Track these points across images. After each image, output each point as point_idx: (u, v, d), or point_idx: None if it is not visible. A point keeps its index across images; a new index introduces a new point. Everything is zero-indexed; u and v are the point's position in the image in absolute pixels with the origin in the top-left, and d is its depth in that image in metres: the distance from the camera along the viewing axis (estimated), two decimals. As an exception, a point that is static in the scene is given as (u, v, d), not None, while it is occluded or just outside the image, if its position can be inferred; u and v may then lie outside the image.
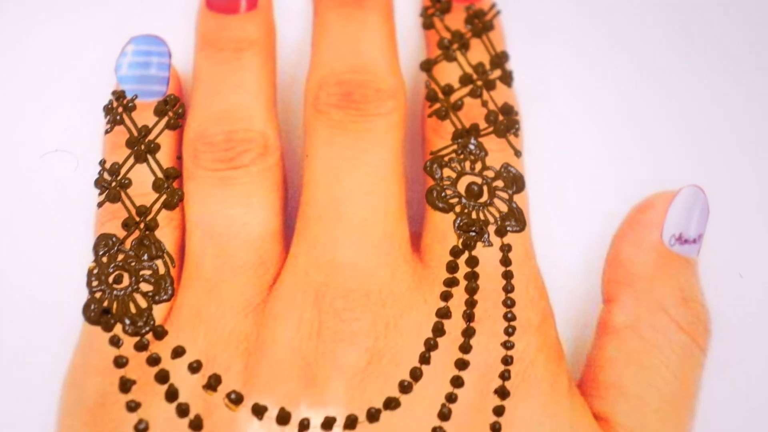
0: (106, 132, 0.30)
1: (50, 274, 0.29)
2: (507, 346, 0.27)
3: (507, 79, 0.31)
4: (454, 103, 0.30)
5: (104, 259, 0.28)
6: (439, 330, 0.27)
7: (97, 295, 0.27)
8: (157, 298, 0.28)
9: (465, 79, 0.30)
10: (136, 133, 0.29)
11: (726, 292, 0.29)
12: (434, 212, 0.29)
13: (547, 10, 0.32)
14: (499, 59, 0.31)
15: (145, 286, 0.28)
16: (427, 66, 0.31)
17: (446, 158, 0.29)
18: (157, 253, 0.28)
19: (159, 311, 0.28)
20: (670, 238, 0.29)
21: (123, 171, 0.29)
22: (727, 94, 0.31)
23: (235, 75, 0.30)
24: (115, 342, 0.27)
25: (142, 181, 0.29)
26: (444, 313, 0.27)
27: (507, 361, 0.27)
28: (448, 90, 0.30)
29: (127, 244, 0.28)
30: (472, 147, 0.29)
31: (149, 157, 0.29)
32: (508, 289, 0.28)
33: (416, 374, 0.27)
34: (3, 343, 0.29)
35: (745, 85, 0.31)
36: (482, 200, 0.29)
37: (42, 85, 0.30)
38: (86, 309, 0.27)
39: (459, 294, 0.28)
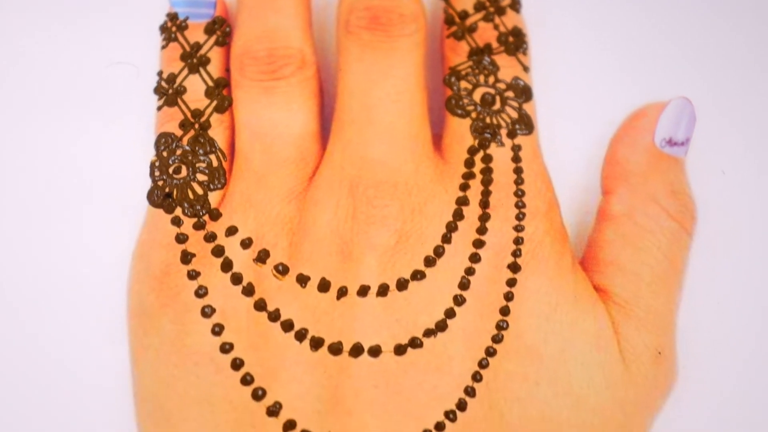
0: (163, 48, 0.33)
1: (116, 167, 0.33)
2: (518, 229, 0.31)
3: (516, 5, 0.34)
4: (469, 26, 0.34)
5: (164, 154, 0.32)
6: (458, 215, 0.31)
7: (160, 183, 0.31)
8: (211, 186, 0.31)
9: (479, 6, 0.34)
10: (188, 49, 0.33)
11: (710, 186, 0.33)
12: (453, 118, 0.33)
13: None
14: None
15: (201, 177, 0.31)
16: (446, -7, 0.34)
17: (463, 72, 0.33)
18: (210, 149, 0.32)
19: (213, 198, 0.31)
20: (661, 141, 0.33)
21: (178, 80, 0.33)
22: (716, 18, 0.34)
23: (275, 0, 0.34)
24: (177, 222, 0.31)
25: (195, 89, 0.33)
26: (463, 201, 0.31)
27: (518, 241, 0.31)
28: (464, 15, 0.34)
29: (184, 142, 0.32)
30: (485, 63, 0.33)
31: (201, 69, 0.33)
32: (519, 181, 0.32)
33: (439, 251, 0.30)
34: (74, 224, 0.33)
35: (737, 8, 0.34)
36: (495, 108, 0.33)
37: (107, 5, 0.34)
38: (150, 194, 0.31)
39: (475, 186, 0.31)
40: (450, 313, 0.30)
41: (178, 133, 0.32)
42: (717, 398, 0.31)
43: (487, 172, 0.32)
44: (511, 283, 0.30)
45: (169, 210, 0.31)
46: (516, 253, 0.30)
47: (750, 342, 0.32)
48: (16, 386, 0.31)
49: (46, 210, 0.33)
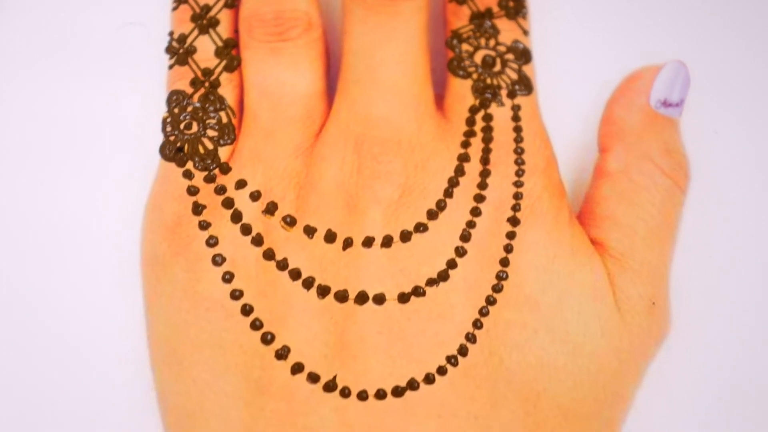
0: (173, 9, 0.34)
1: (129, 123, 0.34)
2: (517, 185, 0.32)
3: (515, -29, 0.35)
4: (471, -9, 0.35)
5: (176, 110, 0.33)
6: (460, 171, 0.32)
7: (171, 138, 0.32)
8: (221, 141, 0.32)
9: (480, -28, 0.35)
10: (198, 10, 0.34)
11: (703, 145, 0.34)
12: (455, 78, 0.34)
13: None
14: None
15: (211, 132, 0.32)
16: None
17: (464, 35, 0.34)
18: (220, 106, 0.33)
19: (223, 153, 0.32)
20: (656, 102, 0.34)
21: (189, 40, 0.34)
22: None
23: None
24: (188, 175, 0.32)
25: (205, 49, 0.34)
26: (464, 158, 0.32)
27: (517, 196, 0.32)
28: (466, -20, 0.35)
29: (195, 99, 0.33)
30: (486, 26, 0.34)
31: (211, 30, 0.34)
32: (518, 140, 0.33)
33: (441, 205, 0.31)
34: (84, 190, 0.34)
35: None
36: (495, 69, 0.34)
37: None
38: (162, 149, 0.32)
39: (476, 144, 0.33)
40: (452, 264, 0.31)
41: (189, 90, 0.33)
42: (708, 346, 0.32)
43: (487, 130, 0.33)
44: (511, 235, 0.31)
45: (180, 164, 0.32)
46: (515, 208, 0.32)
47: (740, 292, 0.33)
48: (33, 334, 0.32)
49: (63, 163, 0.34)
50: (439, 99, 0.34)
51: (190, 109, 0.33)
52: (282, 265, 0.31)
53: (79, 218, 0.33)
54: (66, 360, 0.32)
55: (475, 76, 0.33)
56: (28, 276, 0.33)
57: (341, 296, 0.30)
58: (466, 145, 0.32)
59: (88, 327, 0.32)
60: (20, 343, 0.32)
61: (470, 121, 0.33)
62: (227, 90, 0.33)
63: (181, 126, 0.32)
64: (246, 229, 0.31)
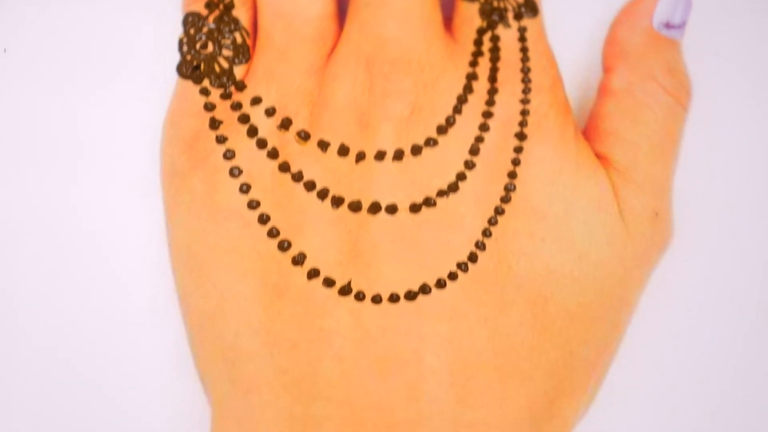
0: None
1: (146, 44, 0.35)
2: (524, 102, 0.33)
3: None
4: None
5: (191, 31, 0.34)
6: (468, 89, 0.33)
7: (188, 57, 0.33)
8: (236, 60, 0.33)
9: None
10: (211, -64, 0.35)
11: (705, 65, 0.35)
12: (462, 1, 0.34)
13: None
14: None
15: (226, 52, 0.33)
16: None
17: (472, -40, 0.35)
18: (234, 27, 0.34)
19: (238, 72, 0.33)
20: (659, 24, 0.35)
21: (203, -35, 0.35)
22: None
23: None
24: (205, 92, 0.33)
25: (218, -27, 0.35)
26: (472, 76, 0.33)
27: (524, 113, 0.33)
28: None
29: (210, 21, 0.34)
30: (493, -49, 0.35)
31: None
32: (525, 59, 0.34)
33: (450, 121, 0.32)
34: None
35: None
36: None
37: None
38: (179, 67, 0.33)
39: (484, 64, 0.33)
40: (461, 176, 0.32)
41: (204, 12, 0.34)
42: (709, 254, 0.33)
43: (495, 50, 0.34)
44: (518, 150, 0.32)
45: (197, 81, 0.33)
46: (522, 124, 0.33)
47: (739, 204, 0.34)
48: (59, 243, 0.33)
49: (81, 86, 0.35)
50: (447, 21, 0.35)
51: (205, 30, 0.33)
52: (297, 177, 0.32)
53: (97, 140, 0.34)
54: (91, 267, 0.33)
55: None
56: (52, 188, 0.34)
57: (355, 206, 0.31)
58: (474, 64, 0.33)
59: (115, 235, 0.33)
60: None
61: (478, 42, 0.34)
62: (241, 12, 0.34)
63: (197, 46, 0.33)
64: (262, 143, 0.32)
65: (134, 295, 0.32)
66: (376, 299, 0.30)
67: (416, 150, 0.32)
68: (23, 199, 0.33)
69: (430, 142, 0.32)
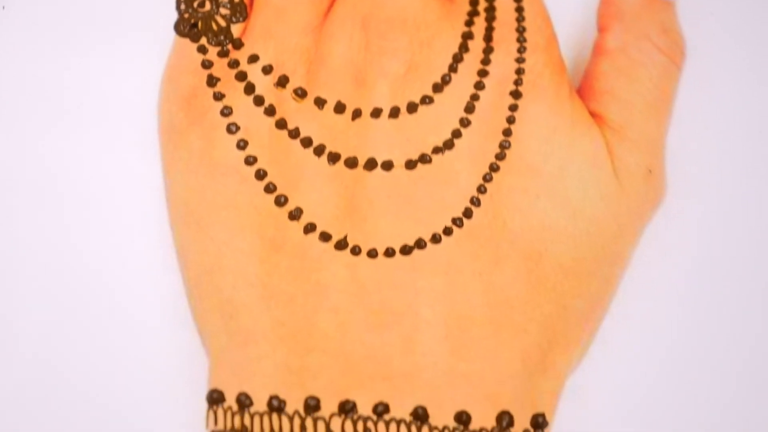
0: None
1: (144, 2, 0.35)
2: (519, 61, 0.33)
3: None
4: None
5: (189, -10, 0.34)
6: (464, 48, 0.33)
7: (186, 15, 0.33)
8: (233, 19, 0.34)
9: None
10: None
11: (699, 26, 0.35)
12: (458, -38, 0.35)
13: None
14: None
15: (223, 11, 0.34)
16: None
17: None
18: (232, -14, 0.34)
19: (235, 30, 0.33)
20: (654, -15, 0.35)
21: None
22: None
23: None
24: (202, 50, 0.33)
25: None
26: (468, 36, 0.33)
27: (519, 72, 0.33)
28: None
29: (207, -21, 0.34)
30: None
31: None
32: (520, 19, 0.34)
33: (446, 79, 0.33)
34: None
35: None
36: None
37: None
38: (177, 25, 0.33)
39: (479, 23, 0.34)
40: (456, 134, 0.32)
41: (202, -29, 0.34)
42: (702, 209, 0.34)
43: (490, 10, 0.34)
44: (513, 108, 0.33)
45: (195, 39, 0.33)
46: (517, 83, 0.33)
47: (732, 161, 0.34)
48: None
49: (78, 43, 0.35)
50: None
51: None
52: (294, 133, 0.32)
53: (100, 95, 0.34)
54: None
55: None
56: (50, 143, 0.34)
57: (351, 162, 0.32)
58: (469, 24, 0.33)
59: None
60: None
61: (473, 2, 0.34)
62: None
63: (195, 4, 0.34)
64: (259, 100, 0.32)
65: (133, 249, 0.32)
66: (372, 253, 0.31)
67: (412, 107, 0.32)
68: (21, 155, 0.33)
69: (426, 100, 0.32)
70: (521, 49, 0.33)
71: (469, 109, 0.32)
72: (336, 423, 0.29)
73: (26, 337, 0.31)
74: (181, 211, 0.32)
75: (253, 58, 0.33)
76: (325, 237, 0.31)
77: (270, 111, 0.32)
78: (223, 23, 0.33)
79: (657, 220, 0.33)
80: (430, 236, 0.31)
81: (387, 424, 0.29)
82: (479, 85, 0.33)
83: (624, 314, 0.32)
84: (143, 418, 0.30)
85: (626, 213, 0.32)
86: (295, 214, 0.31)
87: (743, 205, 0.34)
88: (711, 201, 0.34)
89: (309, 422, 0.29)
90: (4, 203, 0.33)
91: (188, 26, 0.33)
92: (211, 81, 0.32)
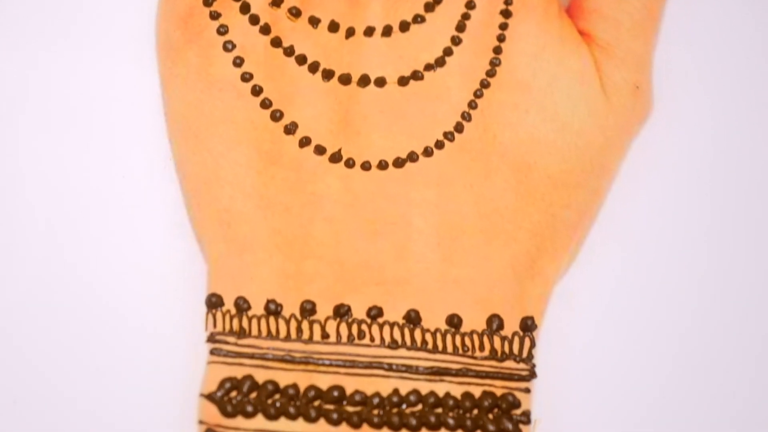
0: None
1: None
2: (509, -18, 0.34)
3: None
4: None
5: None
6: None
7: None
8: (229, -60, 0.34)
9: None
10: None
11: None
12: None
13: None
14: None
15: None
16: None
17: None
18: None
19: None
20: None
21: None
22: None
23: None
24: (198, -29, 0.34)
25: None
26: None
27: None
28: None
29: None
30: None
31: None
32: (510, -54, 0.35)
33: None
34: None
35: None
36: None
37: None
38: (173, -53, 0.34)
39: None
40: (448, 51, 0.33)
41: None
42: (688, 125, 0.34)
43: None
44: (503, 26, 0.33)
45: (191, -41, 0.34)
46: (507, 2, 0.33)
47: (718, 77, 0.35)
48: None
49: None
50: None
51: None
52: (289, 51, 0.33)
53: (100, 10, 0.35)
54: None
55: None
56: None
57: (345, 79, 0.32)
58: None
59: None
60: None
61: None
62: None
63: None
64: (254, 19, 0.33)
65: (133, 160, 0.33)
66: (366, 166, 0.32)
67: (404, 26, 0.33)
68: (23, 68, 0.34)
69: (418, 19, 0.33)
70: None
71: (460, 27, 0.33)
72: (331, 326, 0.30)
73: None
74: (180, 125, 0.32)
75: None
76: (320, 150, 0.32)
77: (265, 29, 0.33)
78: (218, -56, 0.34)
79: (644, 134, 0.33)
80: (422, 150, 0.32)
81: (381, 326, 0.30)
82: (470, 5, 0.33)
83: (611, 223, 0.33)
84: (145, 322, 0.31)
85: (613, 127, 0.33)
86: (290, 129, 0.32)
87: (730, 120, 0.34)
88: (697, 116, 0.34)
89: (305, 325, 0.30)
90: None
91: (184, -53, 0.34)
92: (207, 0, 0.33)
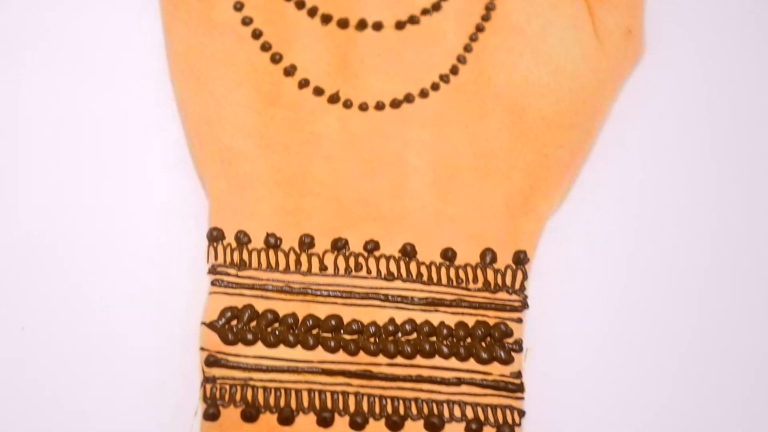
0: None
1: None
2: None
3: None
4: None
5: None
6: None
7: None
8: None
9: None
10: None
11: None
12: None
13: None
14: None
15: None
16: None
17: None
18: None
19: None
20: None
21: None
22: None
23: None
24: None
25: None
26: None
27: None
28: None
29: None
30: None
31: None
32: None
33: None
34: None
35: None
36: None
37: None
38: None
39: None
40: (444, -4, 0.34)
41: None
42: (679, 66, 0.35)
43: None
44: None
45: None
46: None
47: (709, 21, 0.36)
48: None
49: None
50: None
51: None
52: (287, -4, 0.34)
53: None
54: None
55: None
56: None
57: (343, 23, 0.33)
58: None
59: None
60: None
61: None
62: None
63: None
64: None
65: (137, 100, 0.34)
66: (363, 107, 0.33)
67: None
68: (27, 11, 0.35)
69: None
70: None
71: None
72: (329, 258, 0.31)
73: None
74: (182, 66, 0.33)
75: None
76: (318, 91, 0.33)
77: None
78: None
79: (636, 76, 0.34)
80: (418, 91, 0.33)
81: (377, 259, 0.31)
82: None
83: (603, 162, 0.33)
84: (148, 254, 0.32)
85: (606, 70, 0.34)
86: (289, 71, 0.33)
87: (720, 62, 0.35)
88: (688, 58, 0.35)
89: (303, 258, 0.31)
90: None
91: None
92: None
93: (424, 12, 0.33)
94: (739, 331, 0.32)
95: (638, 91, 0.34)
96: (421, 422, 0.29)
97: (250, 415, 0.29)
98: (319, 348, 0.30)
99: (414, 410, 0.30)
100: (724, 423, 0.31)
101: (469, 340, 0.30)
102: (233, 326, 0.30)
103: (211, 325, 0.30)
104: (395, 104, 0.33)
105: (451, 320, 0.31)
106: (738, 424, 0.32)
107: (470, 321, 0.31)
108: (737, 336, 0.32)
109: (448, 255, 0.31)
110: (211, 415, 0.29)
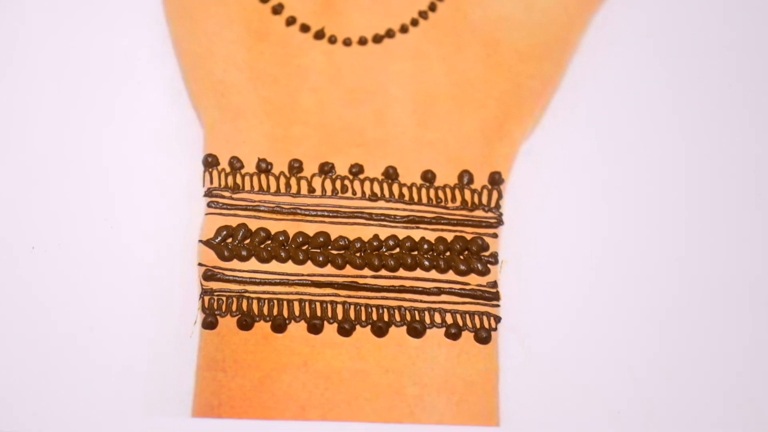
0: None
1: None
2: None
3: None
4: None
5: None
6: None
7: None
8: None
9: None
10: None
11: None
12: None
13: None
14: None
15: None
16: None
17: None
18: None
19: None
20: None
21: None
22: None
23: None
24: None
25: None
26: None
27: None
28: None
29: None
30: None
31: None
32: None
33: None
34: None
35: None
36: None
37: None
38: None
39: None
40: (421, -59, 0.36)
41: None
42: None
43: None
44: None
45: None
46: None
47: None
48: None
49: None
50: None
51: None
52: (275, -61, 0.36)
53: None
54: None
55: None
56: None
57: (327, -32, 0.35)
58: None
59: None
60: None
61: None
62: None
63: None
64: None
65: (133, 39, 0.36)
66: (347, 42, 0.35)
67: None
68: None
69: None
70: None
71: None
72: (317, 181, 0.33)
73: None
74: (175, 6, 0.35)
75: None
76: (305, 28, 0.35)
77: None
78: None
79: (604, 10, 0.36)
80: (398, 27, 0.35)
81: (362, 181, 0.33)
82: None
83: (573, 90, 0.36)
84: (147, 178, 0.34)
85: (575, 5, 0.36)
86: (277, 9, 0.35)
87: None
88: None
89: (293, 181, 0.33)
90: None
91: None
92: None
93: None
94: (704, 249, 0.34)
95: (605, 23, 0.36)
96: (404, 328, 0.32)
97: (246, 323, 0.31)
98: (309, 262, 0.32)
99: (397, 317, 0.32)
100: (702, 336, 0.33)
101: (448, 253, 0.33)
102: (228, 243, 0.32)
103: (207, 243, 0.32)
104: (377, 39, 0.35)
105: (431, 236, 0.33)
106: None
107: (449, 236, 0.33)
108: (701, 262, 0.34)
109: (428, 177, 0.33)
110: (209, 323, 0.32)
